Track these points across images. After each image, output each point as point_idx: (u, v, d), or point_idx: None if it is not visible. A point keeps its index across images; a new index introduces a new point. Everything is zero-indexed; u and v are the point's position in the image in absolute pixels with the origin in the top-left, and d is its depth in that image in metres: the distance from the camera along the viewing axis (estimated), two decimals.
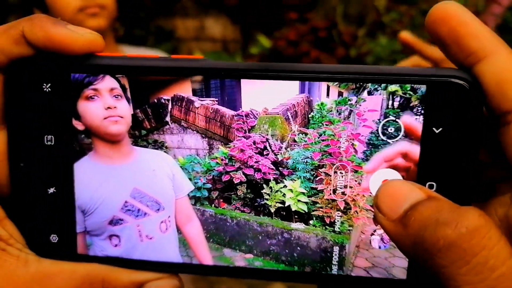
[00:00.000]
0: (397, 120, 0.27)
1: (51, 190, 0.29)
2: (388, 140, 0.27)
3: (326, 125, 0.28)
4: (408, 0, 2.52)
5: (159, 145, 0.30)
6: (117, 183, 0.30)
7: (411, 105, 0.27)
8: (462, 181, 0.26)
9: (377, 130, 0.28)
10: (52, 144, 0.29)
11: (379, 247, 0.28)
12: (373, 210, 0.28)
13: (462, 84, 0.25)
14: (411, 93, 0.27)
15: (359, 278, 0.29)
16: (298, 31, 2.51)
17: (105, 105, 0.29)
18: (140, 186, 0.30)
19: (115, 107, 0.29)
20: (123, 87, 0.29)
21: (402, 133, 0.27)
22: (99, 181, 0.30)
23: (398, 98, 0.27)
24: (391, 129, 0.27)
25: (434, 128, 0.26)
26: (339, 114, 0.28)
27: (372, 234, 0.28)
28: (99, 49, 0.28)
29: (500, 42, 0.24)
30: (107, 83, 0.29)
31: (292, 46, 2.50)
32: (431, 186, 0.26)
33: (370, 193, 0.28)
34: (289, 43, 2.51)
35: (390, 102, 0.27)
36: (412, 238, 0.21)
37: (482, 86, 0.24)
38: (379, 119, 0.28)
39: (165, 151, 0.30)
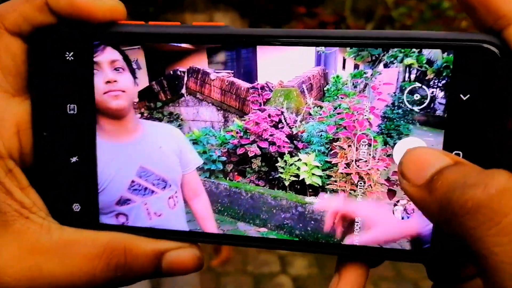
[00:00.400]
0: (423, 86, 0.27)
1: (74, 159, 0.30)
2: (416, 106, 0.27)
3: (341, 98, 0.28)
4: None
5: (175, 118, 0.30)
6: (123, 162, 0.30)
7: (427, 78, 0.27)
8: (489, 150, 0.26)
9: (393, 103, 0.28)
10: (75, 113, 0.29)
11: (402, 218, 0.28)
12: (387, 184, 0.28)
13: (491, 49, 0.24)
14: (427, 66, 0.27)
15: (380, 249, 0.29)
16: (307, 25, 2.49)
17: (105, 79, 0.29)
18: (146, 164, 0.30)
19: (115, 81, 0.29)
20: (126, 58, 0.29)
21: (431, 99, 0.27)
22: (105, 160, 0.30)
23: (415, 71, 0.27)
24: (417, 96, 0.27)
25: (461, 95, 0.26)
26: (355, 87, 0.28)
27: (395, 205, 0.28)
28: (121, 17, 0.28)
29: None
30: (107, 55, 0.28)
31: None
32: (457, 155, 0.26)
33: (385, 168, 0.28)
34: None
35: (407, 75, 0.27)
36: (439, 202, 0.21)
37: None
38: (394, 93, 0.28)
39: (180, 124, 0.30)
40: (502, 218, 0.18)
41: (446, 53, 0.26)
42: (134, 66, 0.30)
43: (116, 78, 0.29)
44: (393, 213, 0.29)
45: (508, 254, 0.18)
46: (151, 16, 2.72)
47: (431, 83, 0.27)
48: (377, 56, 0.27)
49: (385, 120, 0.28)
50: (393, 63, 0.27)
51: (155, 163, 0.30)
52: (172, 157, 0.30)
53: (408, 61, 0.27)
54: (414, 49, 0.27)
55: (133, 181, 0.30)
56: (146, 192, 0.31)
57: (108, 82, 0.29)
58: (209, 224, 0.31)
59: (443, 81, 0.27)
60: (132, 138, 0.30)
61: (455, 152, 0.26)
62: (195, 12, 2.80)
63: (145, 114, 0.30)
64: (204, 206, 0.31)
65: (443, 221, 0.21)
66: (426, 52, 0.27)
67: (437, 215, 0.21)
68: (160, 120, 0.30)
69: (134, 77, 0.30)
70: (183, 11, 2.75)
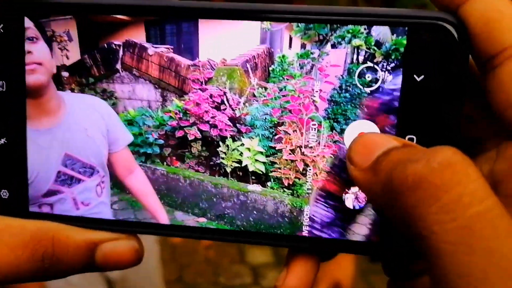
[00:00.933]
0: (375, 66, 0.26)
1: (2, 141, 0.27)
2: (365, 89, 0.26)
3: (287, 79, 0.26)
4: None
5: (108, 95, 0.28)
6: (48, 151, 0.27)
7: (375, 60, 0.26)
8: (445, 135, 0.24)
9: (340, 86, 0.26)
10: (3, 90, 0.26)
11: (353, 207, 0.26)
12: (333, 172, 0.27)
13: (446, 27, 0.23)
14: (375, 48, 0.25)
15: (331, 240, 0.27)
16: None
17: None
18: (71, 151, 0.27)
19: (29, 52, 0.26)
20: (39, 26, 0.26)
21: (380, 82, 0.26)
22: (32, 148, 0.27)
23: (363, 53, 0.26)
24: (365, 79, 0.26)
25: (415, 76, 0.24)
26: (301, 68, 0.26)
27: (346, 193, 0.26)
28: None
29: None
30: None
31: None
32: (411, 140, 0.25)
33: (331, 155, 0.27)
34: None
35: (355, 56, 0.26)
36: (382, 182, 0.19)
37: (468, 29, 0.23)
38: (342, 75, 0.26)
39: (114, 102, 0.28)
40: (443, 194, 0.17)
41: (395, 34, 0.25)
42: (65, 37, 0.27)
43: (30, 49, 0.26)
44: (344, 202, 0.27)
45: (449, 233, 0.16)
46: None
47: (380, 65, 0.26)
48: (324, 35, 0.26)
49: (332, 104, 0.26)
50: (341, 44, 0.26)
51: (81, 149, 0.27)
52: (98, 139, 0.28)
53: (356, 42, 0.25)
54: (362, 30, 0.25)
55: (59, 172, 0.28)
56: (73, 181, 0.28)
57: None
58: (151, 199, 0.28)
59: (393, 64, 0.25)
60: (55, 121, 0.27)
61: (409, 136, 0.25)
62: None
63: (76, 90, 0.28)
64: (141, 180, 0.28)
65: (385, 203, 0.19)
66: (375, 33, 0.25)
67: (380, 197, 0.19)
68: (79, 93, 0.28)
69: (50, 47, 0.27)
70: None
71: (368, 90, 0.26)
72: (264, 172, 0.27)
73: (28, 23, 0.26)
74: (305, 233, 0.27)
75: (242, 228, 0.28)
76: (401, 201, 0.18)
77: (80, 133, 0.27)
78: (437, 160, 0.17)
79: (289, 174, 0.27)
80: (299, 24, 0.26)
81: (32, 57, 0.26)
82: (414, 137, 0.25)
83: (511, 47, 0.22)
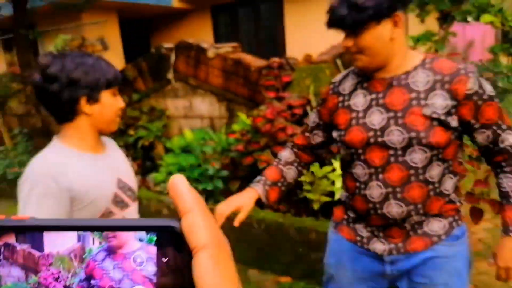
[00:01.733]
0: (141, 253, 0.42)
1: None
2: (137, 267, 0.42)
3: (92, 261, 0.43)
4: None
5: None
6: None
7: (139, 248, 0.42)
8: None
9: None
10: None
11: None
12: None
13: (177, 231, 0.40)
14: (139, 242, 0.42)
15: None
16: (275, 108, 2.73)
17: None
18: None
19: None
20: None
21: (145, 261, 0.42)
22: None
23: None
24: (139, 259, 0.42)
25: (164, 257, 0.41)
26: (100, 253, 0.43)
27: None
28: None
29: (197, 203, 0.40)
30: None
31: (269, 122, 2.71)
32: None
33: None
34: (267, 120, 2.71)
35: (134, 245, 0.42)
36: None
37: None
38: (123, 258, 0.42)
39: None
40: None
41: (149, 234, 0.42)
42: None
43: None
44: None
45: None
46: (135, 103, 3.02)
47: (144, 252, 0.42)
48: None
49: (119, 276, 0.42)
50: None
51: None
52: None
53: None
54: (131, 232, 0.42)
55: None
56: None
57: None
58: None
59: (152, 252, 0.42)
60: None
61: None
62: (176, 98, 3.11)
63: None
64: None
65: None
66: (138, 234, 0.42)
67: None
68: None
69: None
70: (165, 96, 3.06)
71: (139, 267, 0.42)
72: None
73: None
74: None
75: None
76: None
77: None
78: None
79: None
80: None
81: None
82: None
83: (195, 248, 0.38)
